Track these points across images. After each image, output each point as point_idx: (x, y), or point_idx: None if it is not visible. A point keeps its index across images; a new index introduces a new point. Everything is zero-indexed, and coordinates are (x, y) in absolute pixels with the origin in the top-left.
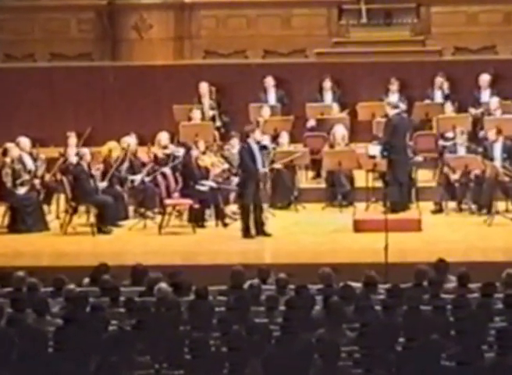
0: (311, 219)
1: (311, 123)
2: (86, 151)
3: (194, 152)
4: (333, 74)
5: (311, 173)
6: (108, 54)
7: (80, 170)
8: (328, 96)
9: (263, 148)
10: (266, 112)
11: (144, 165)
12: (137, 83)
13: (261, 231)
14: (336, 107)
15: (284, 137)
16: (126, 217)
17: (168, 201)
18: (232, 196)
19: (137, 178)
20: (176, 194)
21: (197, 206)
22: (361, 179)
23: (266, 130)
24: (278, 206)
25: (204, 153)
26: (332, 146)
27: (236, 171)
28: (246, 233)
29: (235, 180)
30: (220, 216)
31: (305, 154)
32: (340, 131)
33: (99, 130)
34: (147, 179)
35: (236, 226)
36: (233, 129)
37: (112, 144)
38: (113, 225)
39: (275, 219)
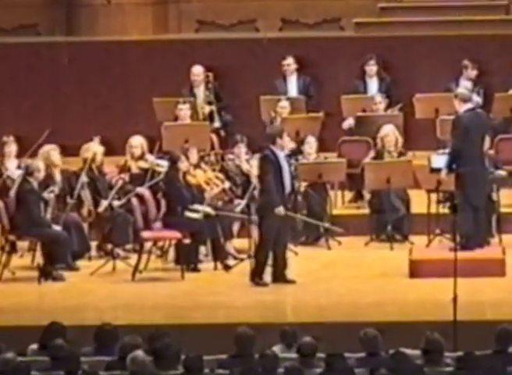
0: (349, 259)
1: (349, 122)
2: (39, 164)
3: (183, 165)
4: (380, 54)
5: (348, 194)
6: (61, 25)
7: (28, 190)
8: (372, 85)
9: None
10: (285, 107)
11: (111, 186)
12: (102, 67)
13: (281, 277)
14: (383, 100)
15: (310, 143)
16: (87, 256)
17: (146, 235)
18: (237, 227)
19: (103, 202)
20: (158, 225)
21: (187, 241)
22: (420, 202)
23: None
24: (302, 241)
25: (196, 166)
26: (379, 155)
27: (239, 191)
28: (256, 277)
29: (241, 203)
30: (220, 255)
31: (340, 166)
32: (392, 134)
33: (49, 133)
34: (116, 203)
35: (243, 269)
36: (238, 131)
37: (49, 147)
38: (68, 268)
39: (298, 260)
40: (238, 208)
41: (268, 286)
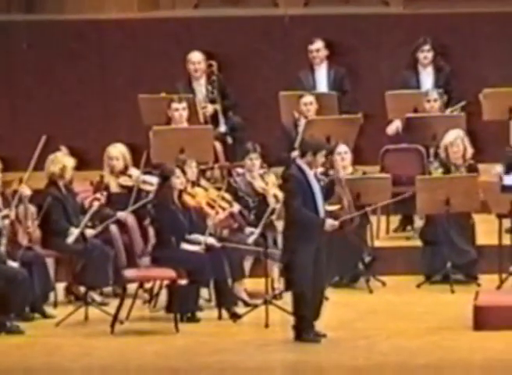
0: (395, 305)
1: (396, 126)
2: None
3: (178, 182)
4: (437, 36)
5: (394, 220)
6: (19, 1)
7: None
8: (427, 77)
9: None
10: (309, 103)
11: (84, 210)
12: (72, 55)
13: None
14: (441, 97)
15: (343, 153)
16: (51, 302)
17: (130, 274)
18: (249, 263)
19: (73, 231)
20: (145, 260)
21: (183, 282)
22: (489, 231)
23: None
24: (334, 282)
25: (196, 183)
26: (446, 169)
27: (252, 216)
28: (304, 334)
29: (254, 232)
30: (226, 300)
31: (384, 184)
32: (460, 142)
33: (2, 139)
34: (90, 232)
35: (256, 318)
36: (250, 138)
37: None
38: (24, 319)
39: (329, 306)
40: (251, 239)
41: (325, 337)
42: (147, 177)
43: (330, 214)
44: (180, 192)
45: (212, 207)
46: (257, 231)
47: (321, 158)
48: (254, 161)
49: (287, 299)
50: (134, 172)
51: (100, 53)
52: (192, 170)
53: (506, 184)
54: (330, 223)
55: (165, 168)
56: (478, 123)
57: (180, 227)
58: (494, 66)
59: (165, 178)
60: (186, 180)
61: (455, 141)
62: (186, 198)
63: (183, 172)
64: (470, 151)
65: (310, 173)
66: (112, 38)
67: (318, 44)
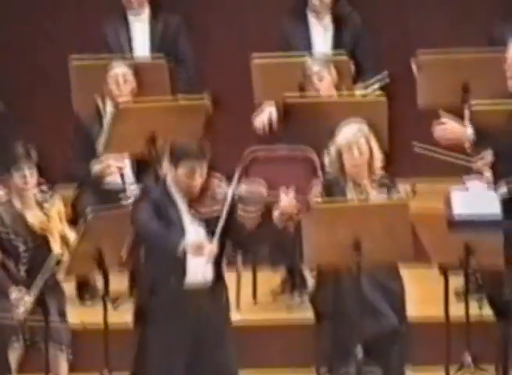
0: None
1: (267, 115)
2: None
3: None
4: None
5: (268, 278)
6: None
7: None
8: (321, 32)
9: None
10: (124, 82)
11: None
12: None
13: None
14: (343, 66)
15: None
16: None
17: None
18: (17, 353)
19: None
20: None
21: None
22: (429, 296)
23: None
24: None
25: None
26: (328, 190)
27: (22, 271)
28: None
29: (26, 298)
30: None
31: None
32: (363, 143)
33: None
34: None
35: None
36: (20, 137)
37: None
38: None
39: None
40: (20, 310)
41: None
42: None
43: None
44: None
45: None
46: (31, 296)
47: (184, 170)
48: (28, 176)
49: None
50: None
51: None
52: None
53: (457, 216)
54: (208, 249)
55: None
56: (406, 112)
57: None
58: (442, 19)
59: None
60: None
61: (352, 139)
62: None
63: None
64: (378, 157)
65: (181, 203)
66: None
67: None
